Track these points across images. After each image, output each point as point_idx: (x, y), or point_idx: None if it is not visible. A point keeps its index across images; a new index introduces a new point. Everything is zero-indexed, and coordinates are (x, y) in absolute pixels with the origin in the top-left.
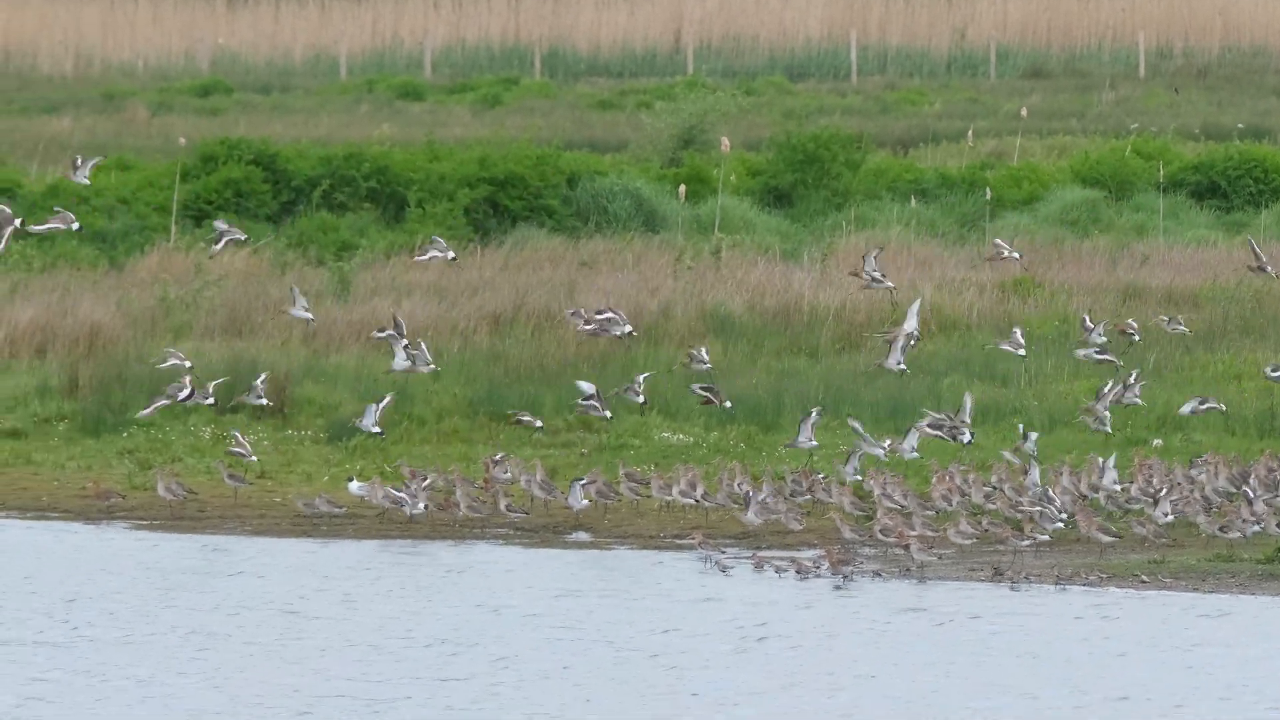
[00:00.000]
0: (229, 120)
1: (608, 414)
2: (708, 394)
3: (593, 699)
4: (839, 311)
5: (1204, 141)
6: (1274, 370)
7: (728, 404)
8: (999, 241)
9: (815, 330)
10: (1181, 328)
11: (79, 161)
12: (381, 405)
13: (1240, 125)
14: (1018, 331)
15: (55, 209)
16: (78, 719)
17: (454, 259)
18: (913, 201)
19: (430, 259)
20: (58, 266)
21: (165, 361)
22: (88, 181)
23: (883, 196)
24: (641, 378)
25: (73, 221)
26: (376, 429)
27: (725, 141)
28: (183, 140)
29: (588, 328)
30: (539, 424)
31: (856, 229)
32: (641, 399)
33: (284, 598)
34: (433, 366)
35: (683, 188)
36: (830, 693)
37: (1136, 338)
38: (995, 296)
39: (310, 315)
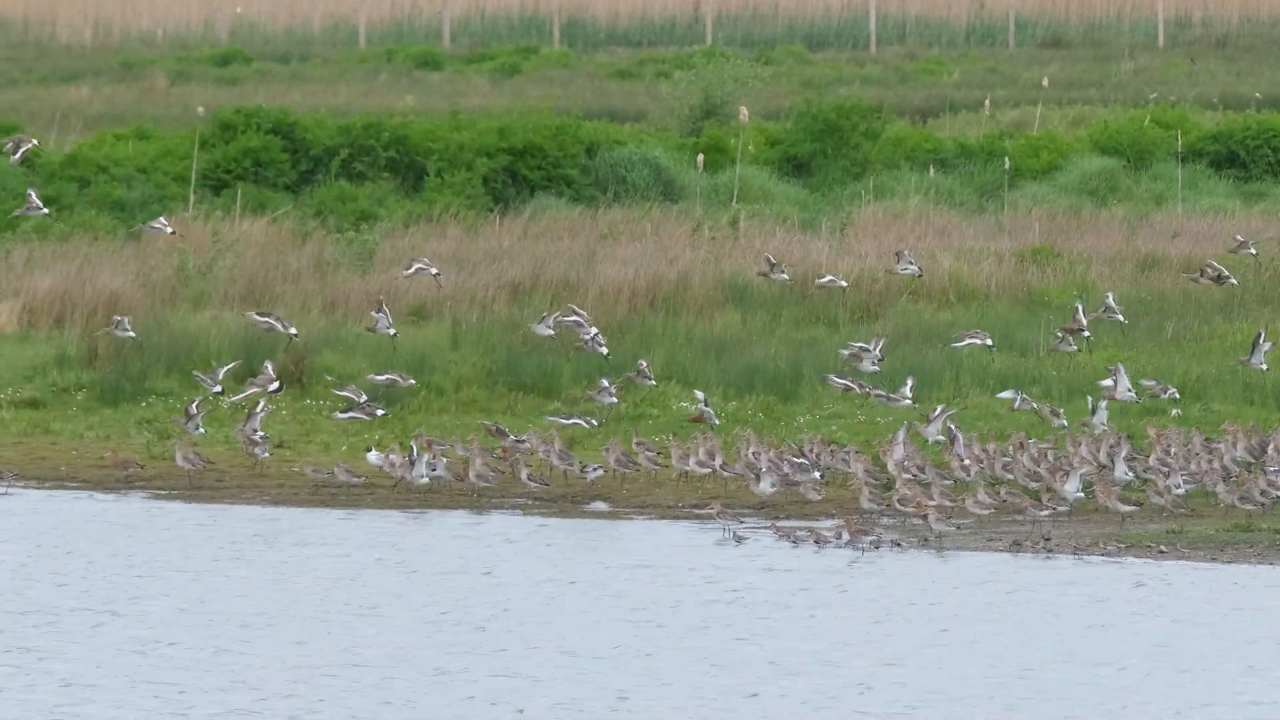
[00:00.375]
0: (247, 89)
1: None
2: (700, 417)
3: (657, 669)
4: (857, 281)
5: (1223, 111)
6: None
7: (715, 421)
8: (902, 253)
9: (834, 300)
10: (1117, 315)
11: (13, 145)
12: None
13: (1259, 95)
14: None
15: (28, 193)
16: (132, 692)
17: (438, 274)
18: (931, 171)
19: (415, 272)
20: (76, 236)
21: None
22: (17, 163)
23: (901, 166)
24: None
25: (41, 208)
26: (380, 410)
27: (744, 111)
28: (201, 109)
29: (548, 331)
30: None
31: (875, 199)
32: (614, 399)
33: (329, 569)
34: (412, 381)
35: (701, 157)
36: (902, 662)
37: (1086, 334)
38: (1014, 266)
39: (294, 330)
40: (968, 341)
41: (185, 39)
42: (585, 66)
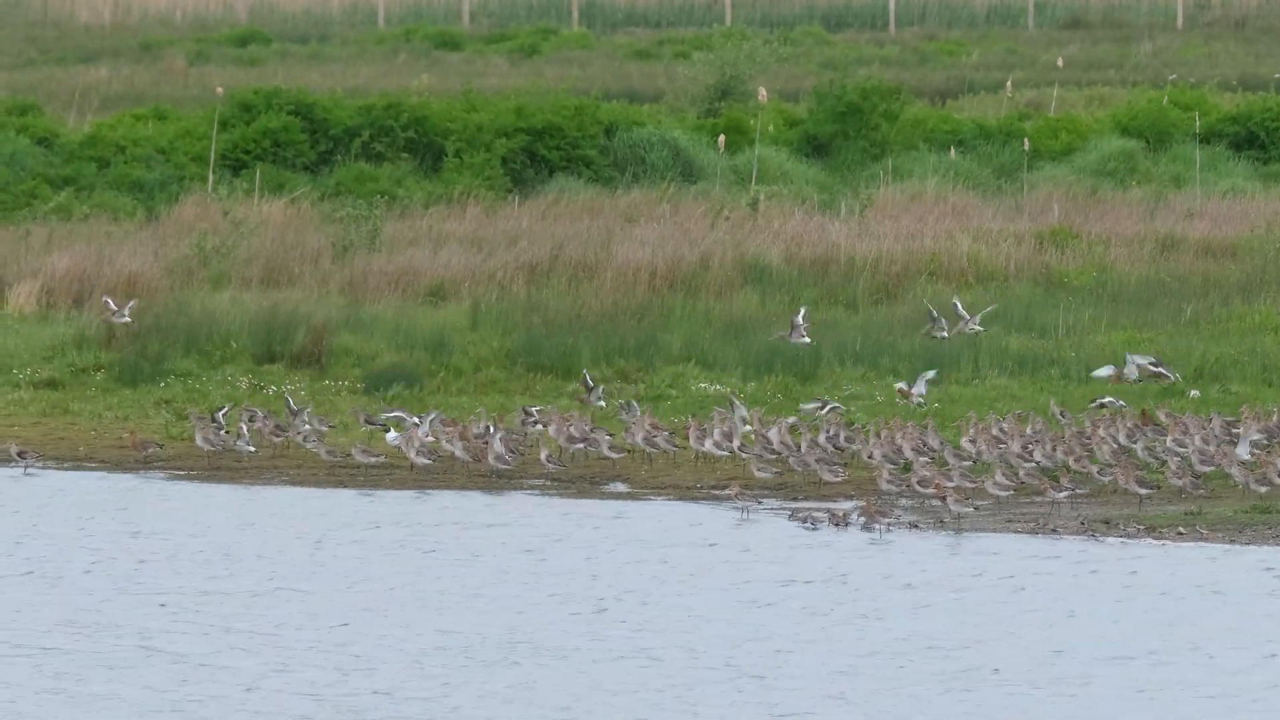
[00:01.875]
0: (267, 70)
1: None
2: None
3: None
4: (876, 262)
5: (1241, 92)
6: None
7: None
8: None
9: (853, 281)
10: (948, 333)
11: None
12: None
13: (1278, 76)
14: (801, 313)
15: None
16: (206, 665)
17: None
18: (951, 152)
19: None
20: (95, 216)
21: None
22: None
23: (920, 147)
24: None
25: None
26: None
27: (763, 91)
28: (220, 90)
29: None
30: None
31: (894, 180)
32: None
33: (380, 548)
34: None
35: (722, 138)
36: (963, 644)
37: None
38: (1033, 247)
39: (252, 448)
40: (804, 317)
41: (204, 19)
42: (604, 47)
